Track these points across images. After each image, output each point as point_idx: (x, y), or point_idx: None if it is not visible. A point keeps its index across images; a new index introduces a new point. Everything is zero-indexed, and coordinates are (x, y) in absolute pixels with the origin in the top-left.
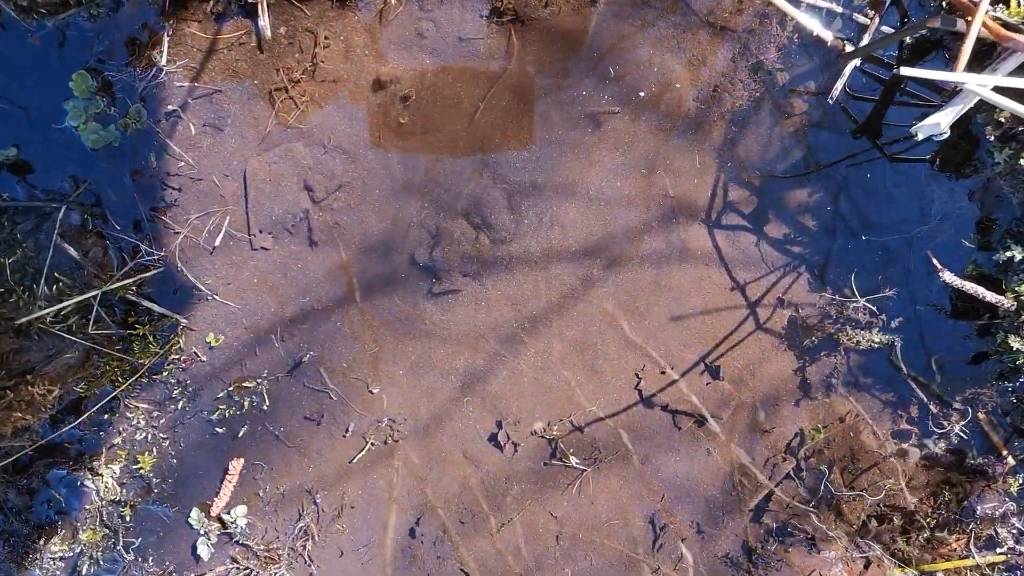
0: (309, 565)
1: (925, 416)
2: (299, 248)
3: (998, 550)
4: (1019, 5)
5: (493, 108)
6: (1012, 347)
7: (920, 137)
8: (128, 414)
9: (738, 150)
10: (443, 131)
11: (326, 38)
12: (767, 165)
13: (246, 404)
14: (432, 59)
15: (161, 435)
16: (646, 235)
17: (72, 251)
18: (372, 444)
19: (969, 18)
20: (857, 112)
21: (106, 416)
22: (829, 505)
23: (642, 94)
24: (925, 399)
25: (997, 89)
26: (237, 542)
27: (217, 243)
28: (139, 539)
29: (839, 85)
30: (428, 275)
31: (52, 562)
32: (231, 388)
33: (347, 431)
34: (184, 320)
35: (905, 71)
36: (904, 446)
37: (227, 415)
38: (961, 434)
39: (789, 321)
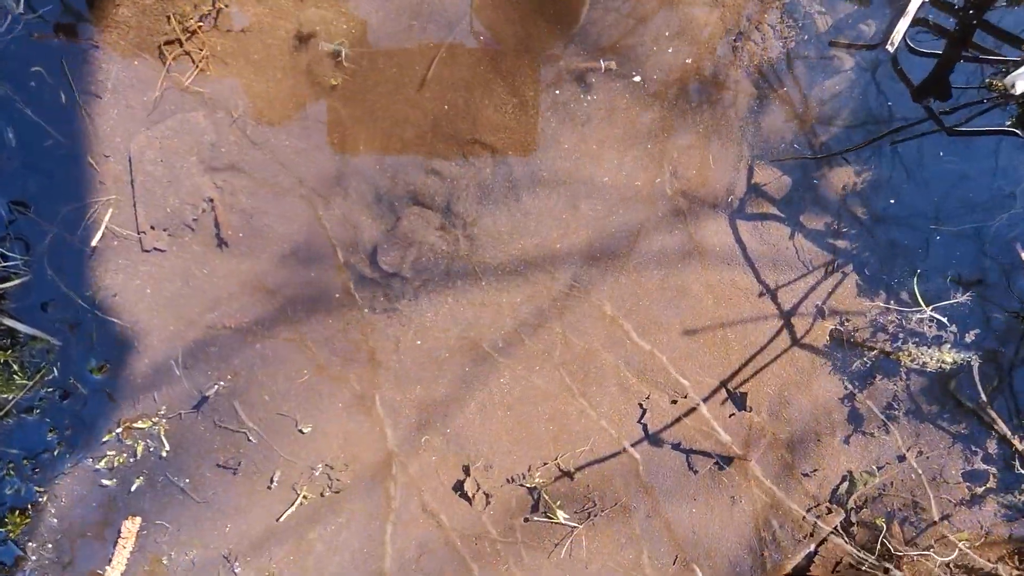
0: None
1: (1006, 454)
2: (204, 249)
3: None
4: None
5: (451, 66)
6: None
7: (1018, 90)
8: None
9: (766, 119)
10: (386, 96)
11: None
12: (802, 139)
13: (140, 449)
14: (370, 2)
15: (36, 489)
16: (651, 228)
17: None
18: (305, 497)
19: None
20: (912, 73)
21: None
22: (888, 567)
23: (644, 46)
24: (1008, 432)
25: None
26: None
27: (96, 243)
28: None
29: (901, 28)
30: (372, 282)
31: None
32: (120, 430)
33: (272, 481)
34: (58, 342)
35: None
36: (980, 491)
37: (117, 463)
38: None
39: (832, 336)
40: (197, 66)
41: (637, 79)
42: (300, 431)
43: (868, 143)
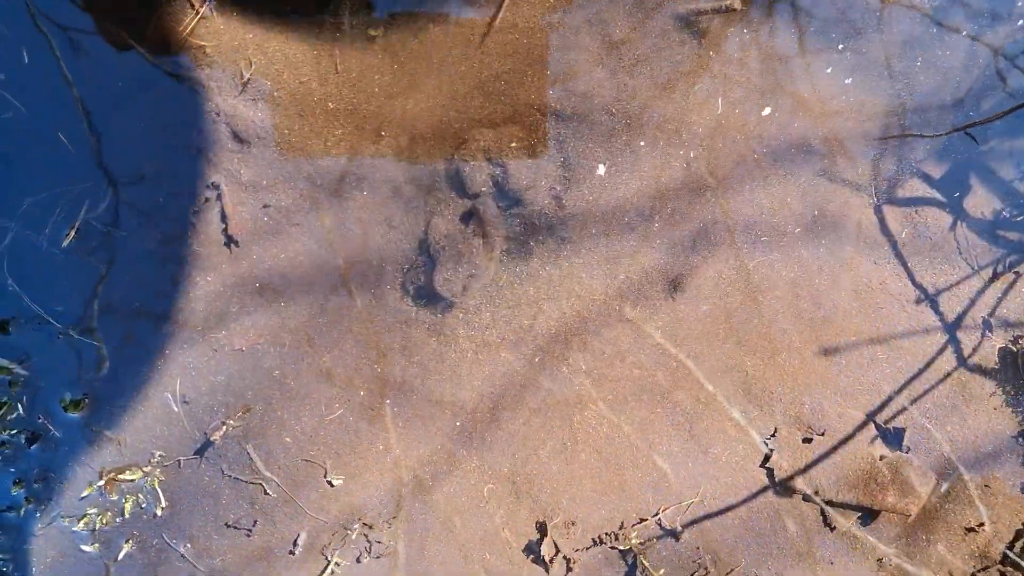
0: None
1: None
2: (208, 250)
3: None
4: None
5: (524, 8)
6: None
7: None
8: None
9: (922, 77)
10: (440, 54)
11: None
12: (967, 103)
13: (128, 506)
14: None
15: None
16: (776, 216)
17: None
18: (336, 564)
19: None
20: None
21: None
22: None
23: None
24: None
25: None
26: None
27: (68, 243)
28: None
29: None
30: (419, 292)
31: None
32: (103, 482)
33: (296, 545)
34: (23, 371)
35: None
36: None
37: (100, 524)
38: None
39: (1002, 356)
40: (197, 12)
41: (764, 20)
42: (329, 482)
43: (1000, 115)
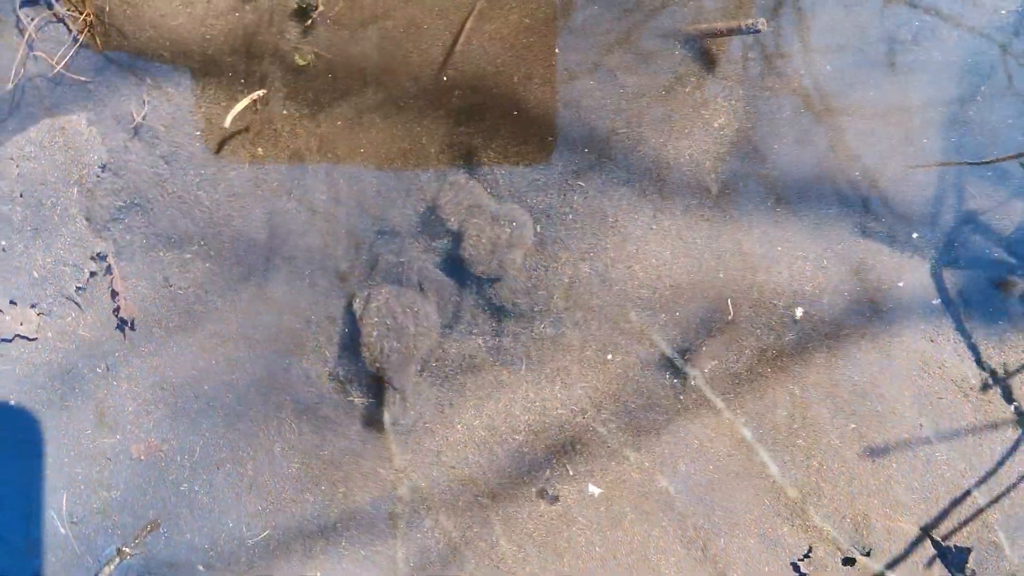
0: None
1: None
2: (96, 335)
3: None
4: None
5: (488, 34)
6: None
7: None
8: None
9: (986, 110)
10: (386, 84)
11: None
12: None
13: None
14: None
15: None
16: (808, 282)
17: None
18: None
19: None
20: None
21: None
22: None
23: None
24: None
25: None
26: None
27: None
28: None
29: None
30: (362, 380)
31: None
32: None
33: None
34: None
35: None
36: None
37: None
38: None
39: None
40: (76, 40)
41: (786, 42)
42: None
43: None
